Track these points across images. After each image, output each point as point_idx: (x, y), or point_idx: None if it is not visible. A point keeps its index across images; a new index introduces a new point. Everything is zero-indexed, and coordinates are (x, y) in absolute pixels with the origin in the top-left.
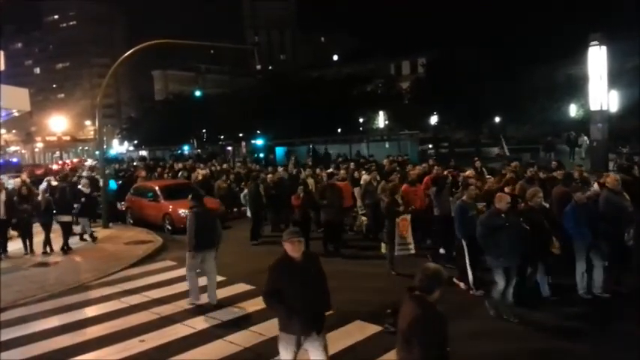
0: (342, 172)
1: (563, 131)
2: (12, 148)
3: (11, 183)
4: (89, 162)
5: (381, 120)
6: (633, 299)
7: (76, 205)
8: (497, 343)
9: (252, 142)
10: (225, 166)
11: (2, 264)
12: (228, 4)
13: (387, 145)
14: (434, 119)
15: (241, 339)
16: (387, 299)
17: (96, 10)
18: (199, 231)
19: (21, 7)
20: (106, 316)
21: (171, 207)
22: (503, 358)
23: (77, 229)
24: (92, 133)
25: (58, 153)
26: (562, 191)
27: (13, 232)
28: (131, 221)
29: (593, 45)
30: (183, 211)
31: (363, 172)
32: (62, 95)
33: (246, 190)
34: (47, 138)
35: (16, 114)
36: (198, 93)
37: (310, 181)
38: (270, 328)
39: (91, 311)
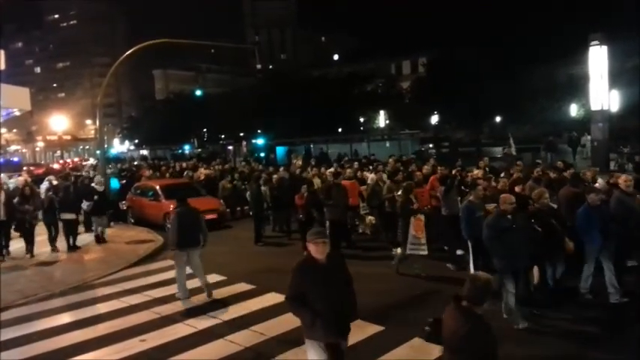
0: (348, 171)
1: (564, 131)
2: (13, 148)
3: (12, 182)
4: (91, 161)
5: (382, 119)
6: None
7: (88, 204)
8: (506, 347)
9: (253, 141)
10: (227, 166)
11: (3, 263)
12: (228, 3)
13: (387, 145)
14: (434, 119)
15: (242, 338)
16: (390, 300)
17: (96, 9)
18: (182, 230)
19: (21, 6)
20: (106, 316)
21: (172, 206)
22: None
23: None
24: (93, 132)
25: (58, 152)
26: (570, 192)
27: (14, 233)
28: (132, 220)
29: (594, 45)
30: None
31: (366, 172)
32: (63, 94)
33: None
34: (48, 137)
35: (17, 113)
36: (198, 92)
37: (317, 180)
38: (270, 327)
39: (91, 311)
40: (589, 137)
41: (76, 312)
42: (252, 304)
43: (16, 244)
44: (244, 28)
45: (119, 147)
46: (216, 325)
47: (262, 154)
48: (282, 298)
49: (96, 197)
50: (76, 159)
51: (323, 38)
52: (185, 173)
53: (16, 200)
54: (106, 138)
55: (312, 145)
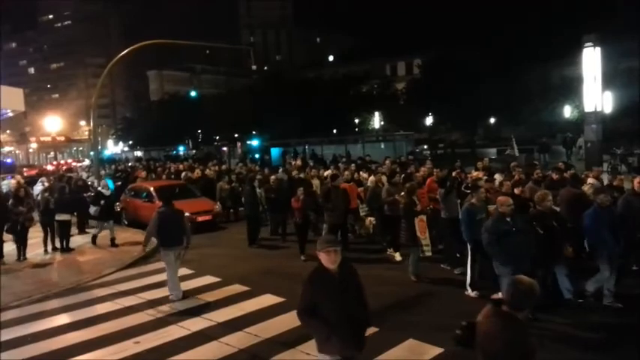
0: (346, 172)
1: (557, 132)
2: (6, 149)
3: (5, 184)
4: (86, 162)
5: (377, 121)
6: None
7: (95, 208)
8: None
9: (248, 142)
10: (224, 167)
11: None
12: (223, 4)
13: (382, 146)
14: (429, 120)
15: (236, 340)
16: (384, 302)
17: (91, 9)
18: (164, 229)
19: (15, 6)
20: (100, 318)
21: None
22: None
23: (93, 231)
24: (87, 133)
25: (52, 153)
26: (571, 193)
27: (7, 236)
28: (125, 222)
29: (588, 46)
30: None
31: (363, 173)
32: (57, 95)
33: None
34: (41, 138)
35: (11, 114)
36: (193, 93)
37: (316, 182)
38: (265, 329)
39: (85, 313)
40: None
41: (70, 314)
42: (246, 306)
43: (9, 246)
44: (239, 28)
45: (113, 148)
46: (210, 327)
47: (257, 156)
48: (277, 299)
49: (102, 202)
50: (69, 160)
51: (318, 39)
52: (184, 174)
53: (10, 202)
54: (100, 139)
55: (306, 147)
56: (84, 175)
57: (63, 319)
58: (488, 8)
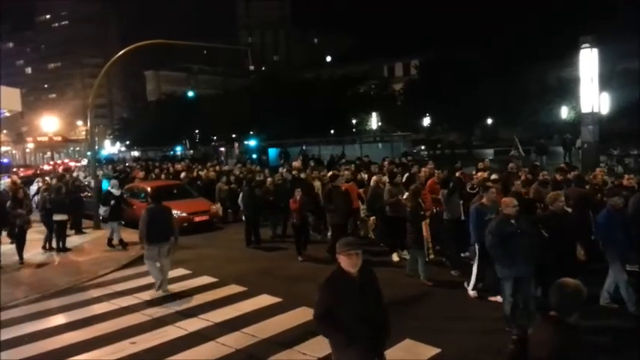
0: (345, 172)
1: (554, 133)
2: (3, 149)
3: (1, 185)
4: (85, 162)
5: (374, 121)
6: None
7: (105, 209)
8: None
9: (245, 142)
10: (225, 167)
11: None
12: (221, 4)
13: (379, 147)
14: (426, 121)
15: (233, 341)
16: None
17: (88, 10)
18: (152, 225)
19: (13, 6)
20: (96, 318)
21: None
22: None
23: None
24: (84, 133)
25: (49, 153)
26: (576, 192)
27: (5, 239)
28: (122, 222)
29: (585, 47)
30: (176, 213)
31: (363, 173)
32: (54, 95)
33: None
34: (38, 138)
35: (7, 114)
36: (190, 93)
37: (317, 183)
38: (262, 329)
39: (81, 313)
40: None
41: (67, 314)
42: (243, 306)
43: (5, 247)
44: (237, 29)
45: (110, 148)
46: (207, 327)
47: (254, 156)
48: (274, 300)
49: (113, 202)
50: (66, 160)
51: (316, 40)
52: (183, 174)
53: (8, 204)
54: (97, 139)
55: (304, 147)
56: (81, 175)
57: (60, 319)
58: (488, 8)
